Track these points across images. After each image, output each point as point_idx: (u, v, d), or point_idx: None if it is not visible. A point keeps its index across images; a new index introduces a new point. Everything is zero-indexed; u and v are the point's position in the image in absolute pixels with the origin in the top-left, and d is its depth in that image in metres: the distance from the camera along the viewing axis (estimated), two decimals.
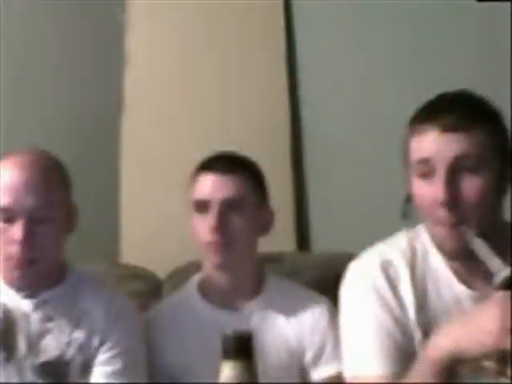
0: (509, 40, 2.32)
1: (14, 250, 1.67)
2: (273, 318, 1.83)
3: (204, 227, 1.81)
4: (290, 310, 1.84)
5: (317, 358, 1.80)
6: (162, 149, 2.47)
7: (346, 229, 2.42)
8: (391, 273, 1.50)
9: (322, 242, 2.49)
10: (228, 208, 1.81)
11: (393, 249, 1.53)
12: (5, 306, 1.71)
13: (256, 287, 1.87)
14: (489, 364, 1.33)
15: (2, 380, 1.67)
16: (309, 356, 1.81)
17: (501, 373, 1.30)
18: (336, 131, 2.48)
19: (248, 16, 2.51)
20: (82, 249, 2.04)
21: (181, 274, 2.13)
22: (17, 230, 1.66)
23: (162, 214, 2.42)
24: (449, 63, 2.40)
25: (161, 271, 2.22)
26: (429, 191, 1.42)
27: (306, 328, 1.82)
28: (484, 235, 1.38)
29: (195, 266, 1.95)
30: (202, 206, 1.82)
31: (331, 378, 1.76)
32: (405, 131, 1.47)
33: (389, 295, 1.48)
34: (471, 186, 1.40)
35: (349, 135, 2.48)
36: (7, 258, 1.69)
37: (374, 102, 2.46)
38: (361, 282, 1.52)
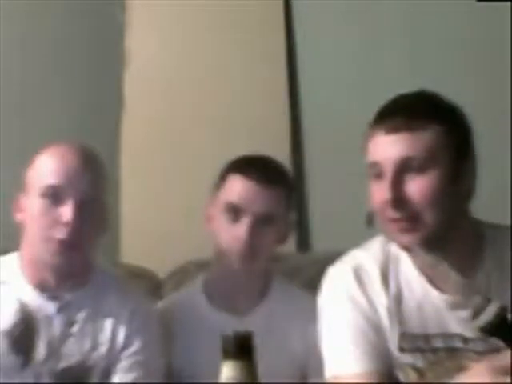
0: (509, 40, 2.32)
1: (58, 231, 1.58)
2: (277, 324, 1.82)
3: (232, 234, 1.77)
4: (294, 316, 1.82)
5: (320, 365, 1.78)
6: (161, 148, 2.47)
7: (346, 229, 2.42)
8: (363, 277, 1.54)
9: (322, 241, 2.49)
10: (261, 221, 1.77)
11: (366, 253, 1.57)
12: (26, 306, 1.63)
13: (261, 291, 1.86)
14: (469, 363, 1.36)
15: None
16: (312, 363, 1.79)
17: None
18: (336, 131, 2.48)
19: (248, 16, 2.51)
20: None
21: (181, 274, 2.13)
22: (66, 211, 1.58)
23: (161, 214, 2.42)
24: (448, 62, 2.40)
25: (161, 271, 2.22)
26: (379, 193, 1.45)
27: (310, 334, 1.79)
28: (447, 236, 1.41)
29: (195, 266, 1.94)
30: (233, 211, 1.78)
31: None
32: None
33: (361, 298, 1.52)
34: (417, 185, 1.42)
35: (349, 135, 2.47)
36: (47, 241, 1.59)
37: (375, 102, 2.45)
38: (334, 286, 1.57)
